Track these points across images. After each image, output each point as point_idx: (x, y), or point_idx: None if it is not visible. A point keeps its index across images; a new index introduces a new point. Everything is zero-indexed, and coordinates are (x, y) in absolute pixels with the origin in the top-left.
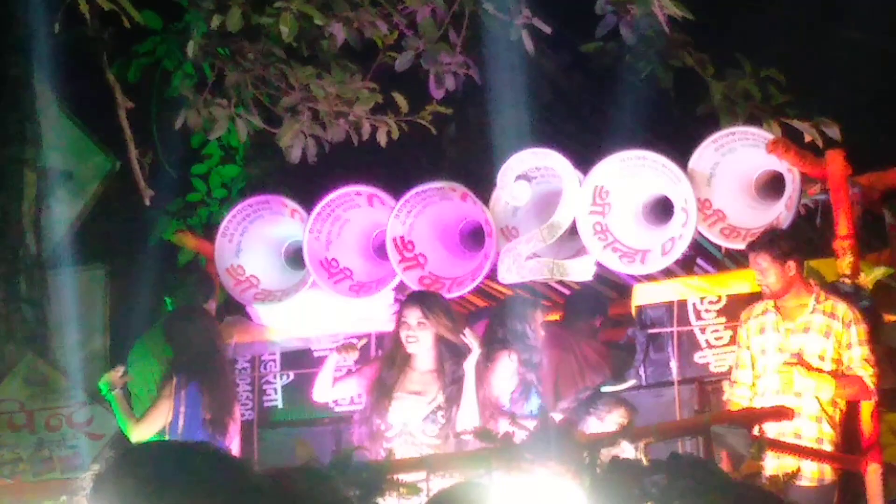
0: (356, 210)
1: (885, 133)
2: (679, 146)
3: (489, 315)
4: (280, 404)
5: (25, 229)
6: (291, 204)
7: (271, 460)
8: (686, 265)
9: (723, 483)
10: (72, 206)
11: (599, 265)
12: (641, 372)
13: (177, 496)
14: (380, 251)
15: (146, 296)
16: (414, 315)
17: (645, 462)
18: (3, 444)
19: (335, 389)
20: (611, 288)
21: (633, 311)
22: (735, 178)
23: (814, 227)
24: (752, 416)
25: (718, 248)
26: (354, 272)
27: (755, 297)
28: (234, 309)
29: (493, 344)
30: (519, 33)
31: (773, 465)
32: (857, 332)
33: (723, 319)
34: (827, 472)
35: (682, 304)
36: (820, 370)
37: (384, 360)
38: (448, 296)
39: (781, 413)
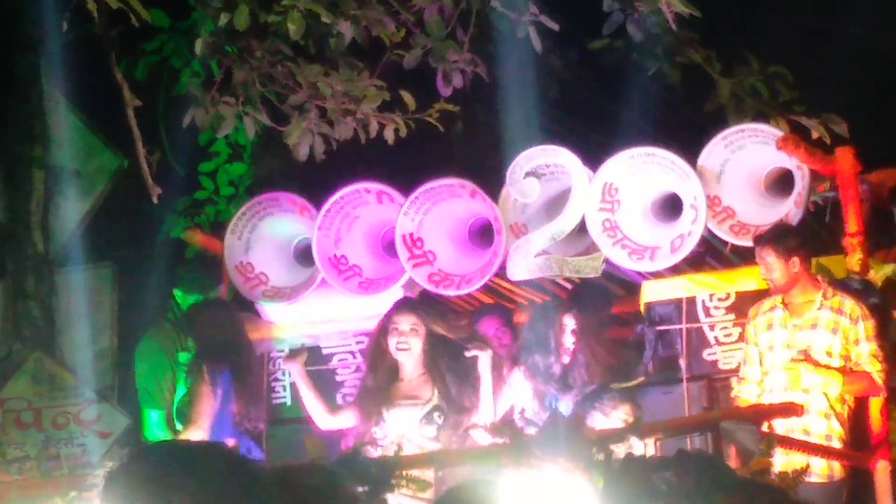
0: (365, 207)
1: (894, 130)
2: (687, 143)
3: (499, 312)
4: (288, 401)
5: (33, 227)
6: (300, 201)
7: (280, 457)
8: (695, 262)
9: (732, 480)
10: (80, 205)
11: (608, 262)
12: (650, 369)
13: (186, 495)
14: (389, 248)
15: (154, 293)
16: (407, 321)
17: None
18: (10, 442)
19: (341, 417)
20: (620, 285)
21: (642, 308)
22: (744, 175)
23: (823, 223)
24: (761, 413)
25: (724, 244)
26: (363, 269)
27: (764, 294)
28: (244, 306)
29: (519, 351)
30: (526, 31)
31: (782, 461)
32: (864, 328)
33: (732, 316)
34: (836, 468)
35: (691, 301)
36: (828, 366)
37: (370, 371)
38: (457, 293)
39: (790, 410)
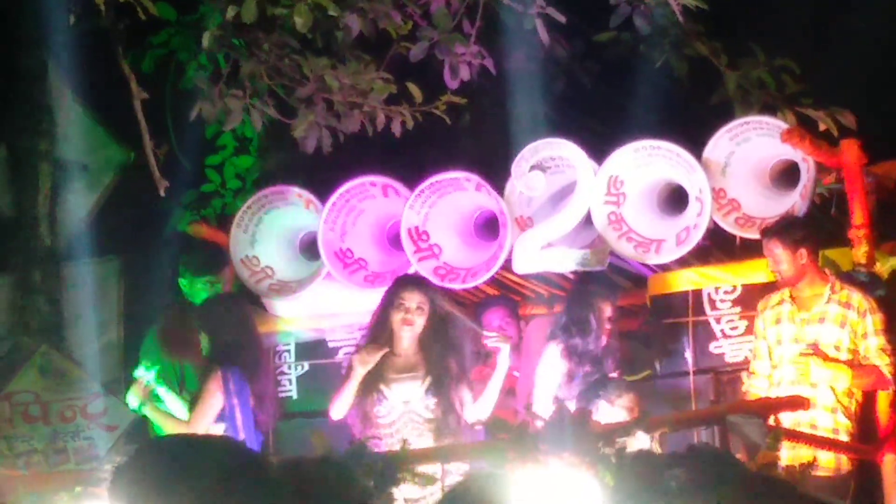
0: (371, 200)
1: None
2: (693, 136)
3: (504, 303)
4: (295, 395)
5: (40, 221)
6: (306, 195)
7: (286, 451)
8: (701, 255)
9: (742, 476)
10: (86, 198)
11: (614, 255)
12: (656, 362)
13: (195, 489)
14: (395, 242)
15: (161, 287)
16: (415, 299)
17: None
18: (18, 435)
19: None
20: (626, 278)
21: (648, 301)
22: (750, 168)
23: (829, 216)
24: (768, 406)
25: (731, 237)
26: (369, 263)
27: (771, 287)
28: (249, 299)
29: (555, 330)
30: (533, 23)
31: (789, 455)
32: (872, 322)
33: (738, 309)
34: (843, 462)
35: (698, 294)
36: (836, 360)
37: (367, 341)
38: (462, 286)
39: (797, 403)
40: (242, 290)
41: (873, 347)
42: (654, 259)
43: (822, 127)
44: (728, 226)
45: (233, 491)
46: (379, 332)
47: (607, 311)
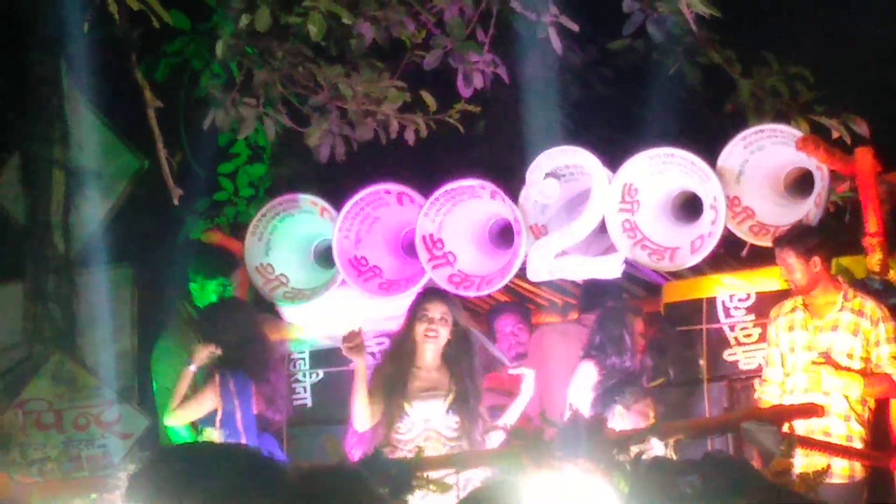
0: (385, 208)
1: None
2: (707, 144)
3: (516, 310)
4: (309, 403)
5: (54, 228)
6: (321, 202)
7: (301, 458)
8: (715, 263)
9: (758, 484)
10: (100, 206)
11: (628, 263)
12: (670, 370)
13: (209, 496)
14: (409, 249)
15: (174, 294)
16: (438, 310)
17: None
18: (31, 443)
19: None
20: (640, 286)
21: (663, 309)
22: (764, 176)
23: (843, 224)
24: (782, 414)
25: (744, 244)
26: (384, 270)
27: (784, 295)
28: (264, 308)
29: (589, 349)
30: (546, 31)
31: (803, 462)
32: (885, 330)
33: (752, 317)
34: (857, 469)
35: (712, 302)
36: (848, 369)
37: (391, 357)
38: (477, 294)
39: (811, 410)
40: (257, 297)
41: (885, 356)
42: (668, 267)
43: (835, 135)
44: (742, 234)
45: (248, 498)
46: (402, 344)
47: (638, 325)
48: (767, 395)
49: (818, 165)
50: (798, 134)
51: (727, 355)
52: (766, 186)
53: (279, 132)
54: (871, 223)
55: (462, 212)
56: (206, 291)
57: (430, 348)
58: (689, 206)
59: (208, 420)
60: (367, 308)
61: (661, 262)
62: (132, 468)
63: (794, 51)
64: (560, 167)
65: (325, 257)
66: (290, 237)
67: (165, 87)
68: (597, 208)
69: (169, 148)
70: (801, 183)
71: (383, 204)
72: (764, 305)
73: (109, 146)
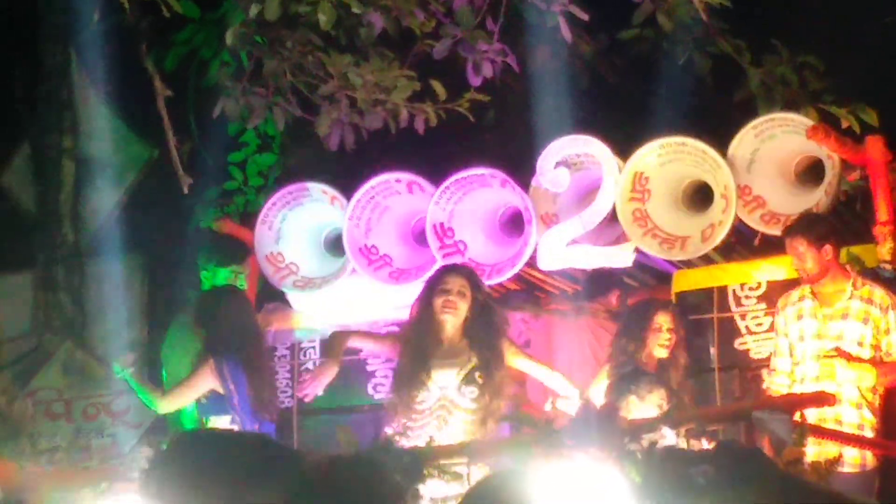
0: (396, 197)
1: None
2: (717, 133)
3: (527, 298)
4: (319, 391)
5: (63, 218)
6: (331, 191)
7: (311, 447)
8: (726, 251)
9: (771, 473)
10: (110, 195)
11: (639, 252)
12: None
13: (228, 486)
14: (420, 238)
15: (184, 283)
16: (456, 283)
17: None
18: (41, 433)
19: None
20: (651, 275)
21: (674, 298)
22: (775, 165)
23: (853, 212)
24: (794, 402)
25: (755, 233)
26: (394, 259)
27: (795, 284)
28: (274, 296)
29: (613, 350)
30: (556, 20)
31: (815, 451)
32: (895, 318)
33: (763, 306)
34: (869, 458)
35: (722, 291)
36: (859, 358)
37: (413, 327)
38: (488, 283)
39: (823, 399)
40: (267, 286)
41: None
42: (679, 256)
43: (844, 124)
44: (753, 222)
45: (265, 486)
46: (421, 317)
47: (666, 322)
48: (776, 384)
49: (829, 154)
50: (808, 123)
51: (738, 344)
52: (776, 175)
53: (289, 121)
54: (882, 212)
55: (472, 200)
56: (218, 279)
57: (450, 321)
58: (700, 195)
59: (211, 408)
60: (378, 297)
61: (672, 250)
62: (145, 460)
63: (804, 40)
64: (570, 156)
65: (335, 246)
66: (300, 226)
67: (175, 76)
68: (607, 197)
69: (178, 137)
70: (811, 172)
71: (394, 193)
72: (775, 294)
73: (119, 136)
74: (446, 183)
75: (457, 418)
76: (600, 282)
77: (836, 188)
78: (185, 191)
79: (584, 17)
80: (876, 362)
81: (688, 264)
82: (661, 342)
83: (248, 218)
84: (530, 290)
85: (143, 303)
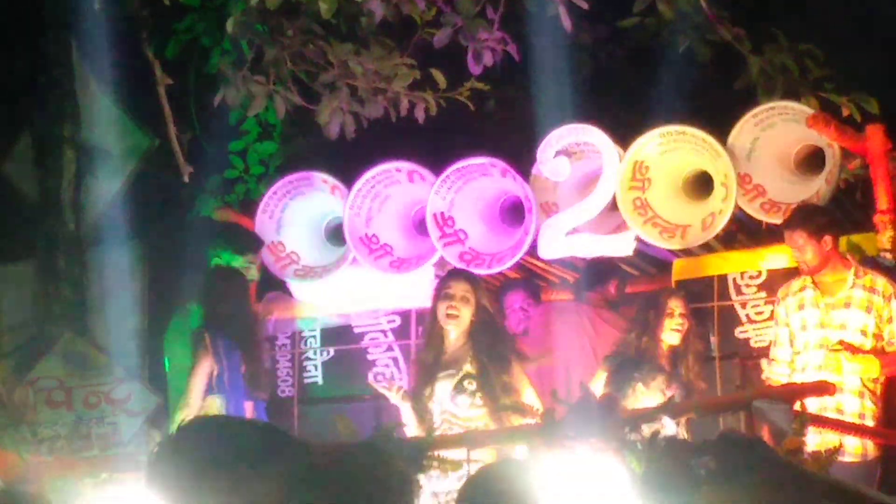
0: (396, 186)
1: None
2: (717, 121)
3: (525, 286)
4: (320, 381)
5: (64, 206)
6: (332, 180)
7: (312, 437)
8: (726, 240)
9: (772, 464)
10: (110, 184)
11: (640, 240)
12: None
13: (235, 473)
14: (420, 227)
15: (185, 272)
16: (460, 287)
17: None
18: (41, 421)
19: None
20: (651, 263)
21: (674, 287)
22: (775, 153)
23: (854, 201)
24: (794, 392)
25: (756, 222)
26: (395, 248)
27: (795, 272)
28: (275, 285)
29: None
30: (556, 9)
31: (815, 440)
32: None
33: (763, 294)
34: (870, 447)
35: (723, 279)
36: (864, 350)
37: (426, 345)
38: (488, 272)
39: (824, 388)
40: (267, 274)
41: None
42: (679, 244)
43: (844, 112)
44: (753, 211)
45: (272, 473)
46: (431, 329)
47: (678, 307)
48: (776, 374)
49: (829, 143)
50: (809, 111)
51: (738, 333)
52: (776, 164)
53: (289, 110)
54: (882, 200)
55: (473, 189)
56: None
57: (452, 330)
58: (700, 184)
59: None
60: (379, 286)
61: (672, 239)
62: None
63: (804, 28)
64: (571, 145)
65: (336, 235)
66: (301, 215)
67: (176, 64)
68: (608, 186)
69: (179, 126)
70: (811, 160)
71: (394, 182)
72: (775, 283)
73: (120, 124)
74: (447, 172)
75: (458, 428)
76: (600, 270)
77: (836, 177)
78: (186, 179)
79: (584, 5)
80: (879, 353)
81: (688, 253)
82: (673, 326)
83: (249, 206)
84: (530, 278)
85: (144, 291)
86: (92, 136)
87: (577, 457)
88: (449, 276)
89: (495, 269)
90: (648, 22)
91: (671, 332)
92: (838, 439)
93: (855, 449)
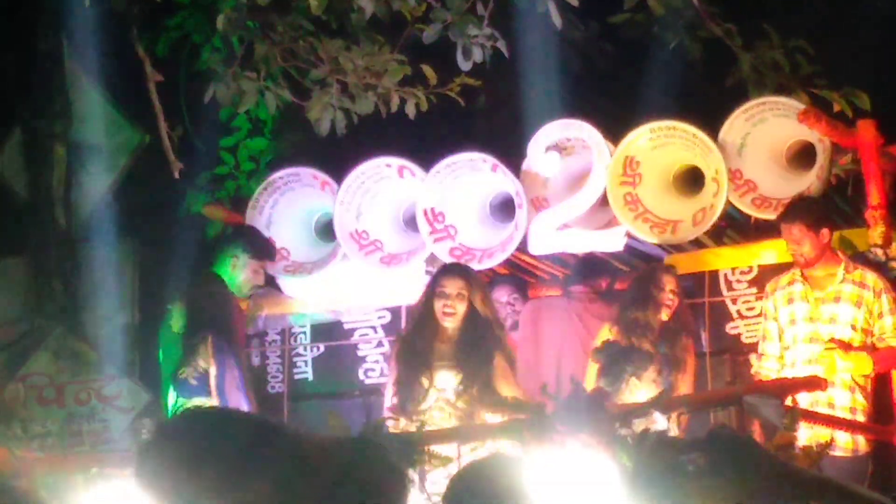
0: (386, 182)
1: None
2: (708, 117)
3: (512, 281)
4: (310, 377)
5: (55, 203)
6: (322, 176)
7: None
8: (717, 235)
9: (763, 461)
10: (101, 180)
11: (630, 236)
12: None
13: (227, 465)
14: (410, 223)
15: (175, 269)
16: (455, 285)
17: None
18: (32, 418)
19: None
20: (642, 259)
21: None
22: (766, 149)
23: (845, 196)
24: (785, 387)
25: (747, 217)
26: (385, 244)
27: (786, 267)
28: (265, 280)
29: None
30: (546, 5)
31: (807, 435)
32: (887, 301)
33: (754, 290)
34: (861, 442)
35: (714, 275)
36: (856, 347)
37: (414, 329)
38: (478, 267)
39: (815, 383)
40: None
41: (889, 327)
42: (670, 240)
43: (836, 108)
44: (744, 206)
45: (265, 466)
46: (422, 320)
47: (670, 283)
48: (766, 369)
49: (820, 138)
50: (800, 106)
51: (729, 328)
52: (767, 159)
53: (280, 106)
54: (874, 196)
55: (463, 185)
56: (237, 271)
57: (449, 325)
58: (691, 179)
59: (196, 389)
60: (369, 282)
61: (663, 235)
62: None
63: (795, 24)
64: (561, 140)
65: (326, 231)
66: (291, 211)
67: (166, 61)
68: (598, 182)
69: (170, 122)
70: (802, 155)
71: (384, 177)
72: (766, 278)
73: (111, 121)
74: (437, 167)
75: (449, 418)
76: (591, 266)
77: (827, 172)
78: (177, 175)
79: (574, 1)
80: (870, 349)
81: (679, 248)
82: (664, 301)
83: (239, 203)
84: (520, 274)
85: (135, 287)
86: (83, 133)
87: (567, 452)
88: (443, 274)
89: (485, 265)
90: (639, 18)
91: (662, 308)
92: (829, 434)
93: (846, 444)
